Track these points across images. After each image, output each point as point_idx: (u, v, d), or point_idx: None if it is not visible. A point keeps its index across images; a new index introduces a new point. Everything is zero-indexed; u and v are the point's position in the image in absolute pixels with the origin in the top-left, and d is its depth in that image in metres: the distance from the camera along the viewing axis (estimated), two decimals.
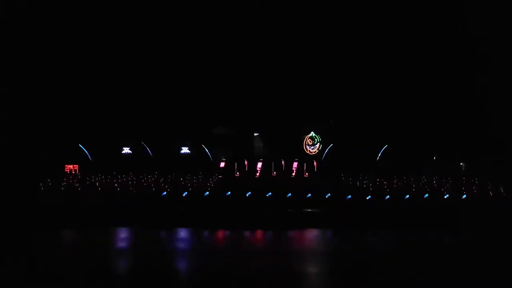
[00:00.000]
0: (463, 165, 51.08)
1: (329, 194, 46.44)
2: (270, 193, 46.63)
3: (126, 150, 51.46)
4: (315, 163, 50.27)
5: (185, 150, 52.11)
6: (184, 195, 46.39)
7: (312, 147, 51.12)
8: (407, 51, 54.67)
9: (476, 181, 48.70)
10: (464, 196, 46.80)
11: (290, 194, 46.65)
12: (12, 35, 52.90)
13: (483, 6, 52.54)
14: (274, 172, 49.85)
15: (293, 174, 49.95)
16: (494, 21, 52.68)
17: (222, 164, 50.22)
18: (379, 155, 52.19)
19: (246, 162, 49.96)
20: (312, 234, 41.38)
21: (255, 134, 51.85)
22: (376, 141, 52.65)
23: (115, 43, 54.05)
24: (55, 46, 53.41)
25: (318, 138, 51.15)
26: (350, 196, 46.29)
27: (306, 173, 50.00)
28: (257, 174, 49.88)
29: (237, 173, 49.69)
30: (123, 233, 40.17)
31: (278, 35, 53.67)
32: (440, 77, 54.98)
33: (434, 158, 51.46)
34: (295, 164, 50.02)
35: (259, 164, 50.03)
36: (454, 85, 53.67)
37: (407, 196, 46.52)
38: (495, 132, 51.58)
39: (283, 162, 50.11)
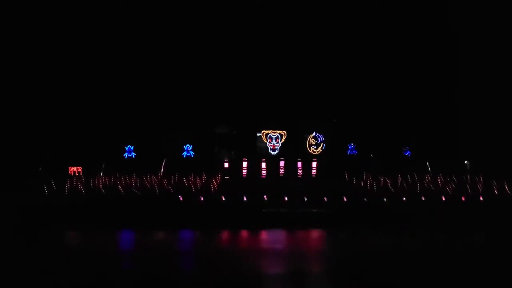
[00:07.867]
0: (468, 163, 51.16)
1: (334, 194, 46.45)
2: (275, 194, 46.58)
3: (129, 150, 51.26)
4: (319, 162, 50.23)
5: (187, 150, 51.88)
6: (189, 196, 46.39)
7: (316, 146, 51.01)
8: (410, 50, 54.70)
9: (481, 179, 48.87)
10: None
11: (295, 194, 46.61)
12: (14, 35, 52.76)
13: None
14: (279, 172, 49.88)
15: (297, 174, 49.92)
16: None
17: (226, 165, 50.10)
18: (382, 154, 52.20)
19: (249, 162, 49.93)
20: (319, 234, 41.39)
21: (258, 134, 51.67)
22: (380, 140, 52.63)
23: (118, 43, 53.97)
24: (58, 46, 53.31)
25: (321, 138, 51.05)
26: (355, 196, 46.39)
27: (310, 173, 50.00)
28: (261, 174, 49.83)
29: (241, 173, 49.65)
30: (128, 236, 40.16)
31: (281, 35, 53.63)
32: (443, 76, 55.06)
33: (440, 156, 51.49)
34: (299, 164, 50.01)
35: (263, 164, 49.96)
36: (459, 84, 53.75)
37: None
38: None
39: (287, 162, 50.10)
